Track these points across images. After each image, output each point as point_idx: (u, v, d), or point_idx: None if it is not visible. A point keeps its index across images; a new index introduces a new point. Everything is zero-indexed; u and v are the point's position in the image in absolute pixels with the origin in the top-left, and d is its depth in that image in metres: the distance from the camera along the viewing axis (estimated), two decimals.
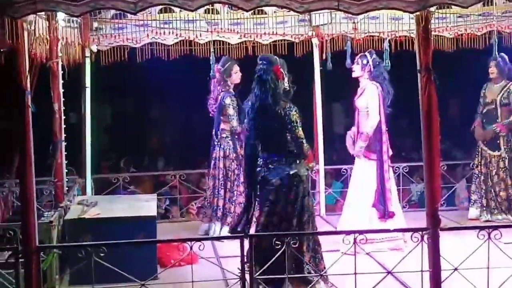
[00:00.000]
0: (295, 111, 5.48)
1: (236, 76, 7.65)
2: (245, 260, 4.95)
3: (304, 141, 5.51)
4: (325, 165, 8.66)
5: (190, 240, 5.16)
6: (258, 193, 5.58)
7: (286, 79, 5.56)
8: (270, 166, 5.51)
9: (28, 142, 4.74)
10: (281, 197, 5.45)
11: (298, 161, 5.49)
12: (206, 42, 7.95)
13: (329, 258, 5.57)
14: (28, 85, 4.80)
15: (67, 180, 6.93)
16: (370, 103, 6.92)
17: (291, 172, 5.44)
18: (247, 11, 4.31)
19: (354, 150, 7.07)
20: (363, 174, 6.99)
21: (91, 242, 5.44)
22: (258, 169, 5.56)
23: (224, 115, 7.62)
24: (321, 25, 8.18)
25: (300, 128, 5.49)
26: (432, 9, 4.56)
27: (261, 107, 5.50)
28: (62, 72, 6.72)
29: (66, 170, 6.91)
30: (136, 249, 5.70)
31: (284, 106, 5.46)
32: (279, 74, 5.48)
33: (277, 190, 5.45)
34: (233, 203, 7.57)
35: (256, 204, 5.59)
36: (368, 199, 6.90)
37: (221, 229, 7.54)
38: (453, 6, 6.76)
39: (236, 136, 7.59)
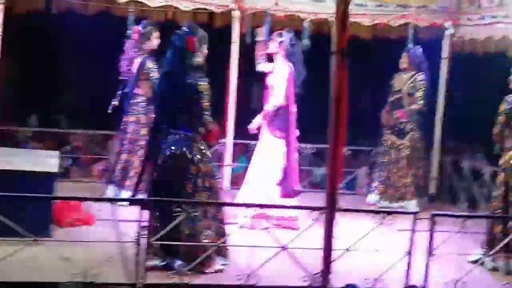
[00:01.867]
0: (206, 82, 5.44)
1: (155, 41, 7.50)
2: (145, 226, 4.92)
3: (208, 114, 5.47)
4: (234, 139, 8.68)
5: (86, 199, 5.07)
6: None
7: (200, 54, 5.47)
8: (170, 136, 5.44)
9: None
10: (171, 171, 5.42)
11: (196, 139, 5.45)
12: (126, 2, 7.79)
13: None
14: None
15: None
16: (278, 82, 6.98)
17: (179, 152, 5.40)
18: None
19: (251, 124, 7.11)
20: (267, 150, 7.04)
21: None
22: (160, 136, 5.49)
23: (142, 80, 7.48)
24: None
25: (206, 101, 5.44)
26: None
27: (169, 74, 5.43)
28: None
29: None
30: (31, 204, 5.55)
31: (194, 76, 5.41)
32: (190, 46, 5.40)
33: (167, 164, 5.42)
34: (133, 167, 7.49)
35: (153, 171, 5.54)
36: (272, 176, 6.97)
37: (120, 192, 7.46)
38: None
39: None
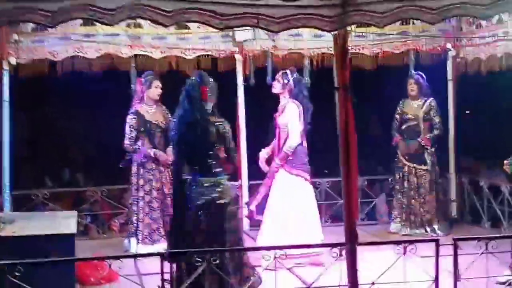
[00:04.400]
0: (226, 123, 5.55)
1: (156, 90, 7.52)
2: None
3: (235, 152, 5.63)
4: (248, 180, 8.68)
5: (108, 258, 5.06)
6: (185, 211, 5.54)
7: (210, 104, 5.56)
8: (195, 185, 5.48)
9: None
10: (205, 219, 5.44)
11: (223, 182, 5.50)
12: (129, 56, 7.90)
13: None
14: None
15: None
16: (290, 123, 7.02)
17: (214, 195, 5.44)
18: (166, 26, 4.28)
19: (270, 166, 7.12)
20: (284, 188, 7.04)
21: (7, 260, 5.26)
22: (186, 186, 5.52)
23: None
24: (244, 41, 8.24)
25: (231, 140, 5.56)
26: (351, 27, 4.66)
27: (189, 123, 5.48)
28: None
29: None
30: (53, 267, 5.54)
31: (214, 120, 5.49)
32: (203, 95, 5.50)
33: (201, 213, 5.44)
34: (153, 219, 7.49)
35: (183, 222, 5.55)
36: (292, 213, 6.96)
37: (136, 244, 7.46)
38: None
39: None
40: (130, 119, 7.46)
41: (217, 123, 5.48)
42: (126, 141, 7.46)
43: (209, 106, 5.54)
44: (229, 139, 5.53)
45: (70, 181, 11.57)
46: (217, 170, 5.49)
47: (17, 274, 4.69)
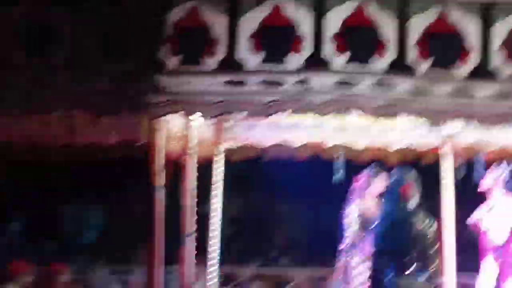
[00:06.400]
0: (432, 222, 5.42)
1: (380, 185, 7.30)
2: None
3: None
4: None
5: None
6: None
7: (415, 198, 5.48)
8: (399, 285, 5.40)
9: (158, 235, 4.90)
10: None
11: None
12: (332, 146, 8.06)
13: None
14: (161, 180, 5.03)
15: None
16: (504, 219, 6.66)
17: None
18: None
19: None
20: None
21: None
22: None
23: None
24: (451, 135, 8.01)
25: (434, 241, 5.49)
26: None
27: (393, 222, 5.45)
28: (194, 167, 6.97)
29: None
30: None
31: (418, 219, 5.40)
32: (405, 195, 5.45)
33: None
34: None
35: None
36: None
37: None
38: None
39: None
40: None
41: (422, 222, 5.38)
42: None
43: (412, 204, 5.47)
44: (426, 238, 5.37)
45: (273, 261, 11.84)
46: (414, 269, 5.37)
47: None
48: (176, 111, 5.01)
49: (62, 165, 7.87)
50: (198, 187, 7.12)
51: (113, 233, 12.93)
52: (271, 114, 4.79)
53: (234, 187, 11.09)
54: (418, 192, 5.52)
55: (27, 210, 12.46)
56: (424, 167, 8.08)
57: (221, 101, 4.86)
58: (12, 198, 11.37)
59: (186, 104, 4.87)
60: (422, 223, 5.38)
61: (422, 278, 5.41)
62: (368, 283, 6.94)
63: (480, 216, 6.87)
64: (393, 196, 5.46)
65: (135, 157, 5.59)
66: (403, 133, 8.02)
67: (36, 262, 7.98)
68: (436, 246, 5.44)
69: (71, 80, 5.10)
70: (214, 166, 8.21)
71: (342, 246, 7.69)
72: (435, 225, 5.45)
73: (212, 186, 8.27)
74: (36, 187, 12.19)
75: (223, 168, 8.22)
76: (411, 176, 5.53)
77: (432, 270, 5.50)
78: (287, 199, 11.65)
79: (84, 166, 9.97)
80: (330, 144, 8.12)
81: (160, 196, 4.97)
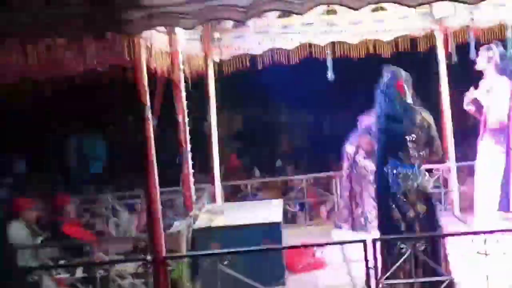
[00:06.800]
0: (428, 113, 5.36)
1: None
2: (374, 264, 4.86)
3: (438, 141, 5.40)
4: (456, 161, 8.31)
5: (315, 245, 5.12)
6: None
7: (409, 95, 5.39)
8: (397, 176, 5.35)
9: (149, 155, 4.85)
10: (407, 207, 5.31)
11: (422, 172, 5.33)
12: (325, 44, 7.89)
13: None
14: (147, 99, 4.92)
15: (199, 188, 7.07)
16: (500, 99, 6.59)
17: (416, 184, 5.29)
18: (356, 9, 4.20)
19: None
20: (488, 163, 6.67)
21: (219, 249, 5.52)
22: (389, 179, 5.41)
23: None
24: (444, 17, 7.85)
25: (434, 129, 5.37)
26: None
27: (389, 117, 5.36)
28: (185, 83, 6.84)
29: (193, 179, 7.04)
30: (263, 255, 5.72)
31: (414, 110, 5.32)
32: (401, 91, 5.35)
33: (403, 202, 5.32)
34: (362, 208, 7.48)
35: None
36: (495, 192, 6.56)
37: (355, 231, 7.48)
38: None
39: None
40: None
41: (418, 114, 5.30)
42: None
43: (409, 98, 5.37)
44: (428, 128, 5.30)
45: (278, 171, 11.92)
46: (416, 161, 5.30)
47: (225, 263, 4.90)
48: (154, 26, 4.81)
49: (54, 98, 7.71)
50: (194, 103, 7.02)
51: (116, 162, 12.94)
52: (249, 18, 4.56)
53: (232, 102, 11.02)
54: (410, 86, 5.39)
55: (29, 147, 12.40)
56: (418, 57, 7.98)
57: (202, 9, 4.63)
58: (13, 135, 11.26)
59: (162, 18, 4.65)
60: (420, 115, 5.26)
61: (423, 169, 5.33)
62: (372, 176, 6.94)
63: (477, 95, 6.78)
64: (386, 98, 5.34)
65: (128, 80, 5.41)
66: (395, 22, 7.89)
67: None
68: (436, 135, 5.33)
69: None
70: (206, 80, 8.09)
71: (346, 147, 7.66)
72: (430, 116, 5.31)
73: (207, 101, 8.20)
74: (33, 123, 12.09)
75: (213, 81, 8.10)
76: (399, 75, 5.38)
77: (431, 159, 5.41)
78: (285, 108, 11.57)
79: (78, 96, 9.88)
80: (322, 43, 7.94)
81: (148, 115, 4.83)
